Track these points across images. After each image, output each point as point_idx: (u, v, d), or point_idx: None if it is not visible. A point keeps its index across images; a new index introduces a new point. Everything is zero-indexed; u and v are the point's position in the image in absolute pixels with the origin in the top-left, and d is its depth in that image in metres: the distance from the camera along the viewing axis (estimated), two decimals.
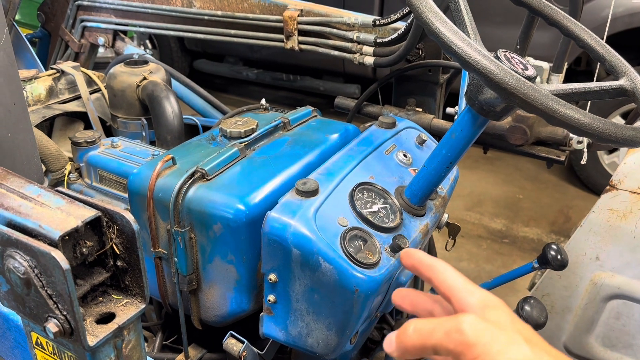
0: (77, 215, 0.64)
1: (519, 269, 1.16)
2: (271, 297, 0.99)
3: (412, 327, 0.54)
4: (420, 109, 1.57)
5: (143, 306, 0.69)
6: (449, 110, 1.48)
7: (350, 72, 4.89)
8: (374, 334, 1.52)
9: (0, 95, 0.99)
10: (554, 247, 1.10)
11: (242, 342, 1.06)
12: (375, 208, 1.03)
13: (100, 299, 0.69)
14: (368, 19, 1.53)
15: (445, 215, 1.24)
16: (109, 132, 1.72)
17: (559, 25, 1.02)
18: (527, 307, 0.93)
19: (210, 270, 1.10)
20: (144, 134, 1.58)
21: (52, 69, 1.72)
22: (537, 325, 0.93)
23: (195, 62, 5.79)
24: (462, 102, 1.10)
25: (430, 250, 1.75)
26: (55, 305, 0.61)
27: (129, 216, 0.65)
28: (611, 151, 3.74)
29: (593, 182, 3.87)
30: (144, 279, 0.68)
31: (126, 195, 1.34)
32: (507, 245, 3.47)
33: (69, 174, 1.41)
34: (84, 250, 0.65)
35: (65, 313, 0.61)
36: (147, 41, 5.48)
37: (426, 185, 1.04)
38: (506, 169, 4.21)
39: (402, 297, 0.65)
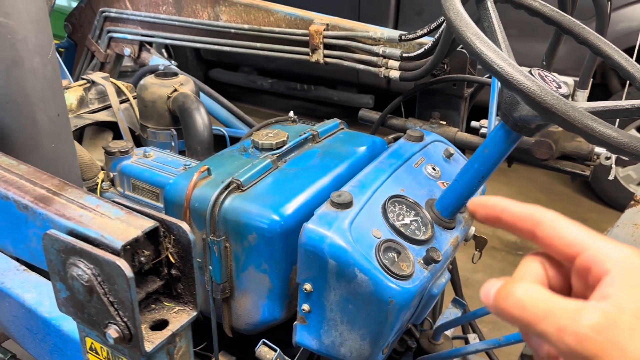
0: (137, 226, 0.66)
1: None
2: (305, 307, 1.02)
3: (519, 293, 0.39)
4: (444, 122, 1.59)
5: (194, 314, 0.71)
6: (474, 123, 1.50)
7: (364, 82, 4.93)
8: (397, 344, 1.53)
9: (46, 107, 1.03)
10: None
11: (275, 350, 1.09)
12: (407, 220, 1.05)
13: (153, 306, 0.72)
14: (394, 34, 1.56)
15: (472, 228, 1.26)
16: (137, 141, 1.76)
17: (589, 44, 1.04)
18: None
19: (244, 278, 1.13)
20: (173, 144, 1.62)
21: (82, 79, 1.76)
22: None
23: (210, 72, 5.86)
24: (492, 117, 1.13)
25: (452, 261, 1.76)
26: (116, 312, 0.63)
27: (186, 226, 0.68)
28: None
29: (608, 194, 3.87)
30: (196, 287, 0.70)
31: (158, 204, 1.37)
32: (522, 258, 3.47)
33: (101, 182, 1.44)
34: (142, 259, 0.67)
35: (125, 320, 0.63)
36: (163, 50, 5.56)
37: (457, 198, 1.06)
38: (520, 181, 4.22)
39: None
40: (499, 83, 1.36)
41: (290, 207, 1.08)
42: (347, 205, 1.00)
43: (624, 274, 0.38)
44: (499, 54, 0.75)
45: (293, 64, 5.29)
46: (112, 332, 0.64)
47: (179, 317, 0.71)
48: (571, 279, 0.44)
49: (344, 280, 0.95)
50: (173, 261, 0.70)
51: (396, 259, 0.97)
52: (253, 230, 1.07)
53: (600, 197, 3.91)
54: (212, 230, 1.11)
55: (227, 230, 1.10)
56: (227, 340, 1.27)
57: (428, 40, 1.48)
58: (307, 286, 0.99)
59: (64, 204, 0.70)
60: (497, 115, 1.43)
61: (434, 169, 1.21)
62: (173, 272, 0.71)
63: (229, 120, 2.10)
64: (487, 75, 1.57)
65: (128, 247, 0.64)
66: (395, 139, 1.74)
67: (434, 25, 1.44)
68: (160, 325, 0.70)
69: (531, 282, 0.43)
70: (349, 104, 5.13)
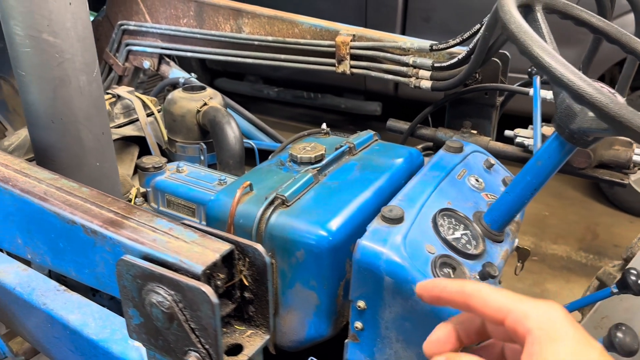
0: (214, 249, 0.65)
1: (597, 294, 1.16)
2: (358, 324, 1.00)
3: None
4: (475, 131, 1.59)
5: (267, 337, 0.70)
6: (508, 132, 1.49)
7: (371, 89, 4.93)
8: None
9: (91, 125, 1.02)
10: (634, 271, 1.10)
11: None
12: (457, 234, 1.04)
13: (225, 330, 0.70)
14: (424, 44, 1.56)
15: (516, 240, 1.25)
16: (163, 155, 1.75)
17: (637, 54, 1.03)
18: (619, 334, 0.93)
19: (290, 295, 1.11)
20: (202, 157, 1.61)
21: (108, 93, 1.75)
22: (630, 352, 0.93)
23: (215, 81, 5.85)
24: (538, 128, 1.12)
25: None
26: (198, 339, 0.62)
27: (261, 249, 0.67)
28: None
29: (619, 198, 3.85)
30: (270, 310, 0.69)
31: (193, 219, 1.36)
32: (537, 263, 3.45)
33: (134, 198, 1.43)
34: (218, 282, 0.66)
35: (207, 347, 0.62)
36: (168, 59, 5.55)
37: (508, 211, 1.05)
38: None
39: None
40: (549, 95, 1.35)
41: (337, 222, 1.07)
42: (399, 220, 0.99)
43: (543, 330, 0.43)
44: (569, 68, 0.74)
45: (299, 72, 5.29)
46: (193, 359, 0.62)
47: (253, 340, 0.69)
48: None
49: (400, 298, 0.93)
50: (247, 284, 0.69)
51: (452, 275, 0.95)
52: (301, 246, 1.05)
53: (612, 201, 3.90)
54: None
55: (273, 246, 1.09)
56: (270, 357, 1.26)
57: (460, 50, 1.47)
58: (361, 303, 0.98)
59: (135, 227, 0.69)
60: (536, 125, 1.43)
61: (477, 180, 1.20)
62: (246, 294, 0.70)
63: (251, 132, 2.09)
64: (518, 83, 1.56)
65: (207, 271, 0.63)
66: (425, 149, 1.74)
67: (466, 34, 1.43)
68: (234, 350, 0.68)
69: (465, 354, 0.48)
70: (357, 112, 5.12)
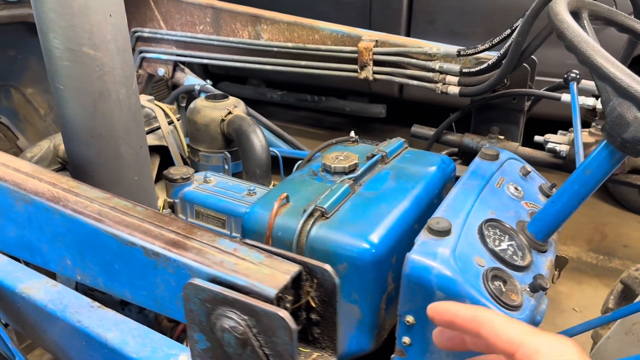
0: (283, 270, 0.63)
1: (638, 303, 1.15)
2: (406, 339, 0.98)
3: None
4: (502, 137, 1.57)
5: (334, 359, 0.68)
6: (538, 138, 1.48)
7: (376, 92, 4.91)
8: None
9: (130, 139, 1.00)
10: None
11: None
12: (504, 245, 1.02)
13: None
14: (451, 49, 1.54)
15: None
16: (184, 163, 1.72)
17: None
18: None
19: None
20: (226, 167, 1.58)
21: None
22: None
23: (218, 85, 5.83)
24: (579, 136, 1.10)
25: None
26: None
27: (330, 270, 0.65)
28: None
29: (626, 199, 3.85)
30: (337, 332, 0.67)
31: (224, 231, 1.34)
32: (555, 245, 3.44)
33: (162, 209, 1.41)
34: (287, 305, 0.64)
35: None
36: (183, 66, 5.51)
37: (554, 221, 1.04)
38: None
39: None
40: (587, 101, 1.34)
41: (379, 234, 1.05)
42: (447, 232, 0.97)
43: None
44: (634, 78, 0.72)
45: (302, 75, 5.27)
46: None
47: None
48: None
49: None
50: (314, 305, 0.67)
51: (504, 288, 0.93)
52: (343, 259, 1.03)
53: (619, 201, 3.90)
54: None
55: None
56: None
57: (489, 55, 1.46)
58: (410, 318, 0.96)
59: (200, 249, 0.66)
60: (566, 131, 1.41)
61: (516, 188, 1.19)
62: (312, 316, 0.68)
63: (271, 140, 2.07)
64: (545, 88, 1.55)
65: (279, 294, 0.61)
66: (449, 155, 1.72)
67: (496, 40, 1.42)
68: None
69: None
70: (361, 114, 5.10)
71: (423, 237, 0.98)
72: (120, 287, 0.75)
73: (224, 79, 5.87)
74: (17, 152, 2.24)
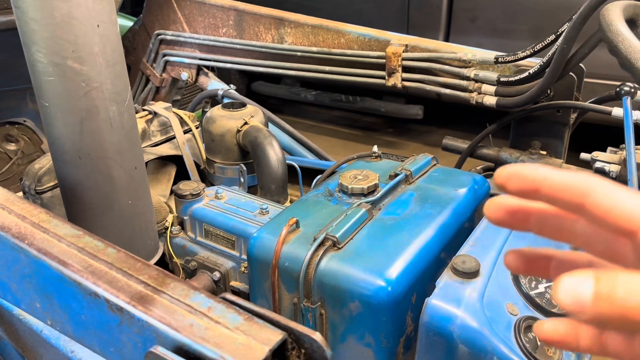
0: (262, 340, 0.52)
1: None
2: None
3: (620, 283, 0.33)
4: (544, 152, 1.42)
5: None
6: (584, 156, 1.32)
7: (413, 92, 4.73)
8: None
9: (122, 160, 0.91)
10: None
11: None
12: (541, 288, 0.88)
13: None
14: (488, 55, 1.40)
15: None
16: (200, 174, 1.64)
17: None
18: None
19: (342, 350, 0.98)
20: (242, 180, 1.49)
21: (144, 110, 1.66)
22: None
23: (253, 84, 5.77)
24: (632, 155, 0.95)
25: None
26: None
27: (320, 339, 0.53)
28: None
29: None
30: None
31: (234, 252, 1.24)
32: None
33: (171, 226, 1.33)
34: None
35: None
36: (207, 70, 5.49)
37: None
38: None
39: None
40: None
41: (397, 270, 0.93)
42: (474, 274, 0.84)
43: None
44: None
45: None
46: None
47: None
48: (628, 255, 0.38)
49: None
50: None
51: (539, 342, 0.80)
52: (355, 297, 0.92)
53: None
54: (307, 295, 0.97)
55: (323, 295, 0.96)
56: None
57: (531, 63, 1.31)
58: None
59: (168, 306, 0.56)
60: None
61: None
62: None
63: (292, 147, 1.97)
64: (591, 100, 1.38)
65: None
66: (485, 170, 1.57)
67: (538, 46, 1.27)
68: None
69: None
70: (397, 115, 4.94)
71: (446, 278, 0.85)
72: (89, 339, 0.66)
73: (259, 78, 5.82)
74: (41, 155, 2.22)
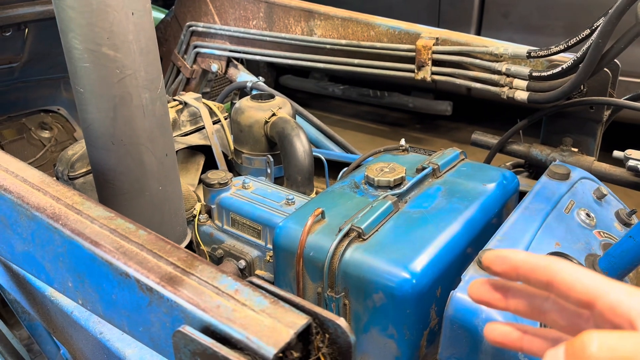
0: (287, 323, 0.53)
1: None
2: None
3: (595, 343, 0.39)
4: (576, 150, 1.39)
5: None
6: (617, 153, 1.29)
7: (441, 88, 4.69)
8: None
9: (154, 147, 0.93)
10: None
11: None
12: None
13: None
14: (520, 49, 1.37)
15: None
16: (229, 165, 1.66)
17: None
18: None
19: (365, 341, 0.98)
20: (268, 170, 1.50)
21: (174, 100, 1.68)
22: None
23: (281, 78, 5.79)
24: None
25: None
26: None
27: (345, 325, 0.54)
28: None
29: None
30: None
31: (260, 242, 1.26)
32: (631, 283, 3.14)
33: (199, 214, 1.35)
34: None
35: None
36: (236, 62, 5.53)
37: (631, 259, 0.87)
38: None
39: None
40: None
41: (422, 262, 0.93)
42: None
43: None
44: None
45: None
46: None
47: None
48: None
49: None
50: None
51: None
52: (379, 289, 0.92)
53: None
54: (330, 285, 0.97)
55: (347, 285, 0.96)
56: None
57: (564, 58, 1.28)
58: None
59: (196, 287, 0.58)
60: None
61: (588, 215, 1.02)
62: None
63: (319, 141, 1.97)
64: (626, 97, 1.35)
65: (279, 355, 0.51)
66: (514, 167, 1.55)
67: (572, 41, 1.24)
68: None
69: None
70: (425, 111, 4.89)
71: (472, 272, 0.84)
72: (118, 319, 0.68)
73: (287, 72, 5.83)
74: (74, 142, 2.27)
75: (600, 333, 0.39)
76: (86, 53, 0.83)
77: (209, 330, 0.54)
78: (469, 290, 0.52)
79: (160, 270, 0.60)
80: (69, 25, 0.82)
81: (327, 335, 0.55)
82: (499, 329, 0.51)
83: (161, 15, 2.57)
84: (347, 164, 1.58)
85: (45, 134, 2.35)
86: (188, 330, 0.53)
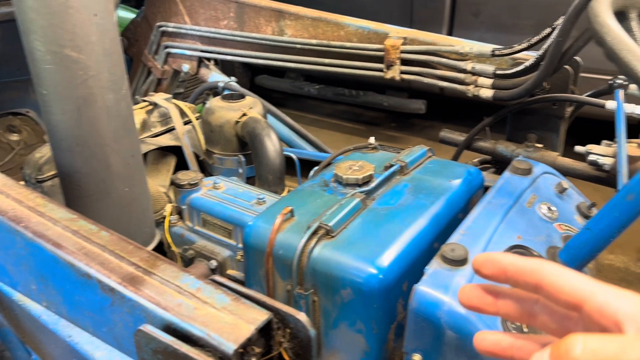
0: (248, 319, 0.54)
1: None
2: None
3: (580, 346, 0.39)
4: (541, 145, 1.42)
5: None
6: (579, 148, 1.32)
7: (415, 87, 4.73)
8: None
9: (119, 148, 0.93)
10: None
11: None
12: None
13: None
14: (485, 48, 1.40)
15: None
16: (200, 165, 1.66)
17: None
18: None
19: (334, 336, 0.99)
20: (240, 170, 1.51)
21: (144, 101, 1.67)
22: None
23: (256, 78, 5.77)
24: (622, 149, 0.96)
25: None
26: None
27: (305, 319, 0.55)
28: None
29: None
30: None
31: (231, 241, 1.26)
32: (590, 274, 3.22)
33: (169, 215, 1.34)
34: (252, 359, 0.55)
35: None
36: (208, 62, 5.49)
37: (589, 250, 0.90)
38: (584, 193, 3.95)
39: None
40: (637, 109, 1.19)
41: (388, 258, 0.94)
42: (462, 262, 0.86)
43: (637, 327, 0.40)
44: None
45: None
46: None
47: None
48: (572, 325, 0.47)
49: (465, 356, 0.80)
50: (287, 359, 0.58)
51: (525, 328, 0.81)
52: (347, 284, 0.93)
53: None
54: (300, 282, 0.98)
55: (316, 282, 0.97)
56: None
57: (527, 56, 1.32)
58: (416, 357, 0.85)
59: (158, 286, 0.58)
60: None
61: (549, 208, 1.05)
62: None
63: (292, 140, 1.98)
64: (588, 93, 1.39)
65: (240, 350, 0.52)
66: (482, 163, 1.58)
67: (534, 39, 1.28)
68: None
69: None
70: (400, 110, 4.93)
71: (435, 266, 0.87)
72: (83, 320, 0.68)
73: (262, 72, 5.82)
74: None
75: (585, 336, 0.39)
76: (49, 55, 0.82)
77: (170, 329, 0.55)
78: (460, 297, 0.51)
79: (122, 271, 0.60)
80: (30, 27, 0.82)
81: (288, 330, 0.56)
82: (488, 338, 0.51)
83: (132, 16, 2.55)
84: (319, 163, 1.60)
85: (14, 137, 2.31)
86: (149, 329, 0.53)
